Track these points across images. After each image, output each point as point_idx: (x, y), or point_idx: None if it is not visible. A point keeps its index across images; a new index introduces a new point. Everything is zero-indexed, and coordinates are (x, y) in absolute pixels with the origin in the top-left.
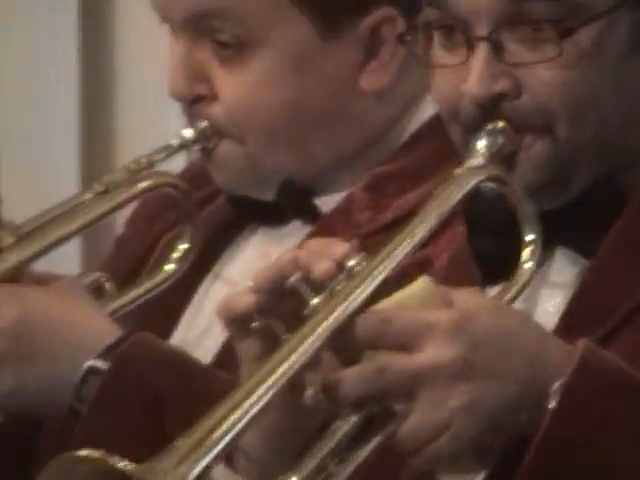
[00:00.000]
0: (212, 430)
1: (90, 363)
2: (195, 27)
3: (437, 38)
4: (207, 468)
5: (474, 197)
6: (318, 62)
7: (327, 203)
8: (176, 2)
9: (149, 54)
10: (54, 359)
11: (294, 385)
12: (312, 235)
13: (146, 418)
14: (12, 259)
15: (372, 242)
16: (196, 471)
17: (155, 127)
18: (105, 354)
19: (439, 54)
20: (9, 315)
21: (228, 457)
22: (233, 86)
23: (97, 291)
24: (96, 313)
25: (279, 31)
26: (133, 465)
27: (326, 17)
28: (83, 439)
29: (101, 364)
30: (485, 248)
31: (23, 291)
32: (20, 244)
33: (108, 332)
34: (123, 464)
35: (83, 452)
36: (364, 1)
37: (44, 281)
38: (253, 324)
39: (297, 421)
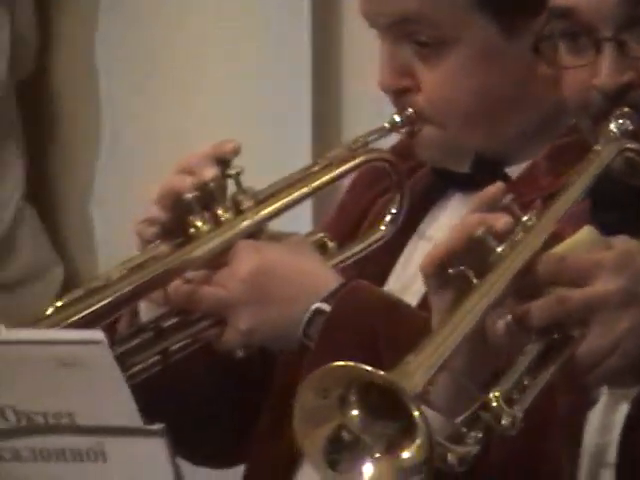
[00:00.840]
0: (437, 347)
1: (317, 305)
2: (398, 31)
3: (562, 45)
4: (439, 369)
5: (601, 174)
6: (502, 56)
7: (515, 171)
8: (381, 11)
9: (370, 56)
10: (287, 302)
11: (484, 320)
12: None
13: (364, 353)
14: (251, 219)
15: None
16: (433, 370)
17: (374, 115)
18: (329, 298)
19: (566, 58)
20: (249, 265)
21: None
22: (433, 79)
23: (320, 248)
24: (322, 264)
25: (469, 32)
26: (382, 372)
27: (508, 20)
28: (311, 370)
29: (325, 306)
30: (610, 221)
31: (261, 245)
32: (258, 207)
33: (332, 280)
34: (373, 369)
35: (338, 362)
36: (538, 4)
37: (278, 238)
38: (450, 270)
39: (482, 348)
